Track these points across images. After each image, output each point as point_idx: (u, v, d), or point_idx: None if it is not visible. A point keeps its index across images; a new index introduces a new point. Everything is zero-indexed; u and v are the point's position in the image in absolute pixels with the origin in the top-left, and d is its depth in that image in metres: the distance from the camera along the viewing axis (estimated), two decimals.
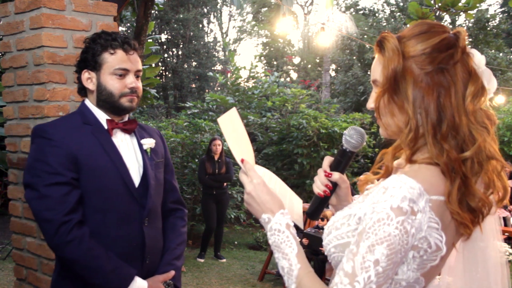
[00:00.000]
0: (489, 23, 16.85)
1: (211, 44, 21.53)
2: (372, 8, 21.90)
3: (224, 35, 27.08)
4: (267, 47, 26.03)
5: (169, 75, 19.60)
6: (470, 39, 15.46)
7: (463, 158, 1.00)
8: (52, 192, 1.61)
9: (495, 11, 22.65)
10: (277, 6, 7.62)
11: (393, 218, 0.93)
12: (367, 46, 15.35)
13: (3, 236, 7.37)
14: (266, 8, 25.15)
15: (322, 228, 5.07)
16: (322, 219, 5.21)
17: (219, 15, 25.94)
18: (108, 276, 1.64)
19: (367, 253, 0.93)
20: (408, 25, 1.23)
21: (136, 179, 1.77)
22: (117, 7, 2.64)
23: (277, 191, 1.27)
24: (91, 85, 1.76)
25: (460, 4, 4.23)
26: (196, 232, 7.64)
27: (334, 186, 1.24)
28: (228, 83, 11.02)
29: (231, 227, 8.78)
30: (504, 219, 7.74)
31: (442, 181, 1.00)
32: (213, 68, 19.88)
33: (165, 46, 19.42)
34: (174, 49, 20.19)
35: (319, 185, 1.23)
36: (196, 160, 7.67)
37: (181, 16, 19.26)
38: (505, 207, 7.71)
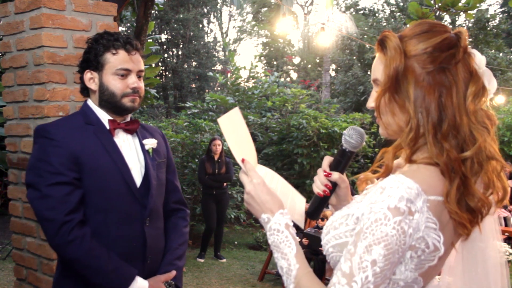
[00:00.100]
0: (489, 23, 16.85)
1: (211, 44, 21.53)
2: (372, 8, 21.91)
3: (224, 35, 27.09)
4: (267, 47, 26.04)
5: (169, 75, 19.61)
6: (470, 39, 15.44)
7: (463, 157, 1.00)
8: (54, 192, 1.61)
9: (495, 11, 22.67)
10: (277, 6, 7.62)
11: (390, 218, 0.93)
12: (367, 46, 15.36)
13: (3, 236, 7.37)
14: (266, 8, 25.16)
15: (322, 228, 5.07)
16: (322, 219, 5.21)
17: (219, 15, 25.95)
18: (109, 276, 1.64)
19: (365, 253, 0.93)
20: (408, 25, 1.23)
21: (138, 179, 1.77)
22: (117, 7, 2.64)
23: (279, 190, 1.27)
24: (93, 85, 1.76)
25: (460, 4, 4.22)
26: (196, 232, 7.64)
27: (334, 186, 1.24)
28: (228, 83, 11.02)
29: (231, 227, 8.78)
30: (505, 219, 7.74)
31: (441, 181, 1.00)
32: (213, 68, 19.88)
33: (165, 46, 19.42)
34: (174, 49, 20.20)
35: (318, 185, 1.24)
36: (196, 160, 7.67)
37: (181, 16, 19.26)
38: (505, 207, 7.71)
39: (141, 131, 1.87)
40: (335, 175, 1.22)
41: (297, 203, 1.32)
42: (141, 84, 1.78)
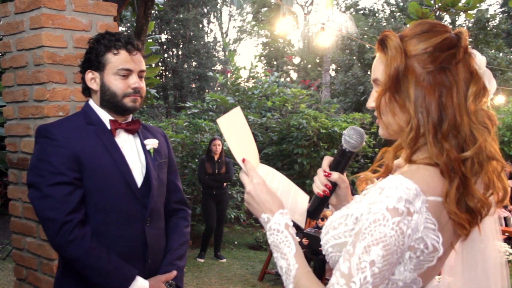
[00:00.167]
0: (489, 23, 16.85)
1: (211, 44, 21.54)
2: (372, 8, 21.92)
3: (224, 35, 27.09)
4: (267, 47, 26.04)
5: (169, 75, 19.61)
6: (470, 39, 15.42)
7: (463, 158, 1.00)
8: (55, 191, 1.62)
9: (495, 11, 22.68)
10: (277, 6, 7.62)
11: (389, 219, 0.93)
12: (367, 46, 15.36)
13: (3, 236, 7.37)
14: (266, 8, 25.16)
15: (322, 228, 5.07)
16: (322, 219, 5.21)
17: (219, 15, 25.95)
18: (109, 276, 1.65)
19: (363, 253, 0.93)
20: (408, 25, 1.23)
21: (139, 179, 1.78)
22: (117, 7, 2.64)
23: (281, 189, 1.27)
24: (94, 85, 1.77)
25: (460, 4, 4.22)
26: (196, 232, 7.64)
27: (334, 186, 1.24)
28: (228, 83, 11.02)
29: (231, 227, 8.79)
30: (505, 219, 7.75)
31: (441, 181, 1.00)
32: (213, 68, 19.88)
33: (165, 46, 19.42)
34: (174, 49, 20.20)
35: (318, 185, 1.24)
36: (196, 160, 7.68)
37: (181, 16, 19.26)
38: (505, 207, 7.72)
39: (142, 131, 1.87)
40: (335, 175, 1.22)
41: (299, 202, 1.32)
42: (143, 84, 1.78)
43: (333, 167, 1.23)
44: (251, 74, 11.91)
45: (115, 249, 1.69)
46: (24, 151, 2.49)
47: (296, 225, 1.20)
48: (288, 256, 1.07)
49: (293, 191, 1.33)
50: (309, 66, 24.93)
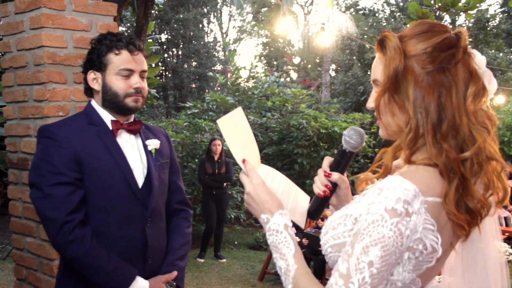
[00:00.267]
0: (489, 23, 16.85)
1: (211, 44, 21.54)
2: (372, 8, 21.92)
3: (224, 35, 27.09)
4: (267, 47, 26.04)
5: (169, 75, 19.61)
6: (470, 39, 15.45)
7: (462, 158, 1.00)
8: (56, 192, 1.63)
9: (495, 11, 22.68)
10: (277, 6, 7.62)
11: (387, 219, 0.93)
12: (367, 46, 15.35)
13: (3, 236, 7.37)
14: (266, 8, 25.16)
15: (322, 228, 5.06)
16: (322, 219, 5.21)
17: (219, 15, 25.95)
18: (109, 276, 1.65)
19: (362, 254, 0.93)
20: (408, 25, 1.23)
21: (140, 179, 1.78)
22: (117, 7, 2.64)
23: (281, 189, 1.27)
24: (96, 86, 1.77)
25: (460, 4, 4.22)
26: (196, 232, 7.64)
27: (334, 186, 1.24)
28: (228, 83, 11.03)
29: (231, 227, 8.79)
30: (505, 219, 7.75)
31: (439, 182, 1.00)
32: (213, 68, 19.88)
33: (165, 46, 19.42)
34: (174, 49, 20.20)
35: (319, 185, 1.24)
36: (196, 160, 7.67)
37: (181, 16, 19.26)
38: (505, 207, 7.71)
39: (144, 131, 1.87)
40: (335, 176, 1.22)
41: (300, 203, 1.32)
42: (144, 84, 1.79)
43: (333, 167, 1.23)
44: (251, 74, 11.92)
45: (116, 249, 1.70)
46: (24, 151, 2.49)
47: (296, 225, 1.20)
48: (287, 256, 1.07)
49: (293, 191, 1.33)
50: (309, 66, 24.94)
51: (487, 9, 17.05)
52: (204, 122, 8.56)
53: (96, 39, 1.78)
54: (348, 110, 15.08)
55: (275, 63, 24.48)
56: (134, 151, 1.81)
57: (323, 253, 1.12)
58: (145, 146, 1.83)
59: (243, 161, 1.20)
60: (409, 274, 1.00)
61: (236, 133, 1.23)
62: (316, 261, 5.17)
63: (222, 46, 23.25)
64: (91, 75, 1.77)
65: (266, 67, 23.16)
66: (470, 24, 16.66)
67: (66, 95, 2.41)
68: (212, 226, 6.61)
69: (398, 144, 1.08)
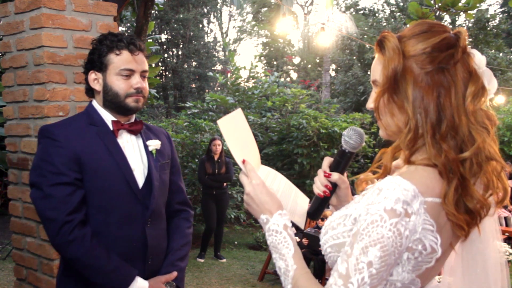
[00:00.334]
0: (489, 23, 16.85)
1: (211, 44, 21.54)
2: (372, 8, 21.92)
3: (224, 35, 27.09)
4: (267, 47, 26.05)
5: (169, 75, 19.61)
6: (470, 39, 15.46)
7: (461, 158, 1.00)
8: (56, 192, 1.63)
9: (495, 11, 22.68)
10: (277, 6, 7.62)
11: (386, 220, 0.93)
12: (367, 46, 15.35)
13: (3, 236, 7.37)
14: (266, 8, 25.16)
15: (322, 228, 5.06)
16: (322, 219, 5.21)
17: (219, 15, 25.95)
18: (109, 276, 1.66)
19: (361, 254, 0.93)
20: (408, 25, 1.23)
21: (140, 180, 1.78)
22: (117, 7, 2.64)
23: (281, 190, 1.27)
24: (97, 86, 1.77)
25: (460, 4, 4.22)
26: (196, 232, 7.64)
27: (334, 186, 1.24)
28: (228, 83, 11.02)
29: (231, 227, 8.79)
30: (505, 218, 7.74)
31: (439, 182, 1.00)
32: (213, 68, 19.89)
33: (165, 46, 19.43)
34: (174, 49, 20.20)
35: (319, 186, 1.24)
36: (196, 160, 7.67)
37: (181, 16, 19.27)
38: (505, 207, 7.71)
39: (145, 132, 1.87)
40: (335, 176, 1.22)
41: (299, 204, 1.32)
42: (145, 84, 1.79)
43: (333, 167, 1.23)
44: (251, 74, 11.92)
45: (116, 249, 1.70)
46: (24, 151, 2.49)
47: (295, 226, 1.20)
48: (286, 256, 1.07)
49: (293, 192, 1.33)
50: (309, 66, 24.94)
51: (487, 9, 17.06)
52: (204, 122, 8.56)
53: (97, 39, 1.78)
54: (348, 110, 15.09)
55: (275, 63, 24.49)
56: (135, 152, 1.81)
57: (322, 253, 1.12)
58: (145, 147, 1.83)
59: (243, 161, 1.20)
60: (409, 275, 1.00)
61: (236, 134, 1.23)
62: (316, 261, 5.17)
63: (222, 46, 23.25)
64: (92, 75, 1.77)
65: (266, 67, 23.17)
66: (470, 24, 16.67)
67: (66, 95, 2.41)
68: (212, 226, 6.61)
69: (397, 144, 1.08)
